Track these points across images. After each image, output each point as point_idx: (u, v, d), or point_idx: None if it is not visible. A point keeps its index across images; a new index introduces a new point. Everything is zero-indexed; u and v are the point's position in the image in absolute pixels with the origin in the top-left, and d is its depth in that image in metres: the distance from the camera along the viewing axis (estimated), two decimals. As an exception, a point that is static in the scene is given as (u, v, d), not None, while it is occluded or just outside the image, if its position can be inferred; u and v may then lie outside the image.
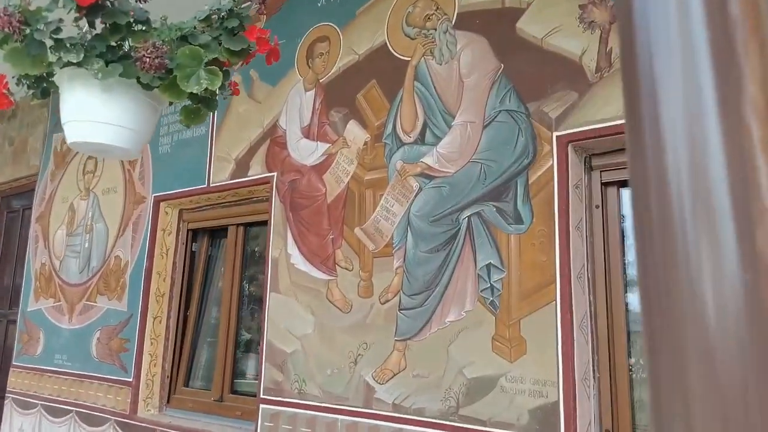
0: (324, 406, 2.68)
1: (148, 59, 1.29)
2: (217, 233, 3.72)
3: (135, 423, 3.46)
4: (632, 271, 2.27)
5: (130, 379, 3.54)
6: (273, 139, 3.16)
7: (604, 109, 2.15)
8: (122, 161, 3.87)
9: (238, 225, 3.51)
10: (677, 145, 0.45)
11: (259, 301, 3.35)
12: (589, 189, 2.29)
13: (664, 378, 0.43)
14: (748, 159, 0.41)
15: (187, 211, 3.72)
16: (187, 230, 3.76)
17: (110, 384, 3.67)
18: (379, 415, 2.50)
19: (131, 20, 1.35)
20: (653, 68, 0.47)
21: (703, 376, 0.41)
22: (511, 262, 2.27)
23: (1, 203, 5.28)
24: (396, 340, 2.51)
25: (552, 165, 2.22)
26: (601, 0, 2.21)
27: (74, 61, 1.34)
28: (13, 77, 1.43)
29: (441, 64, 2.57)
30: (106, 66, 1.35)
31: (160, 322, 3.64)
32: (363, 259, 2.69)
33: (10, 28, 1.26)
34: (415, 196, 2.55)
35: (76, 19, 1.33)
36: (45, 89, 1.48)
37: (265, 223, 3.27)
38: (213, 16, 1.38)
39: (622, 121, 2.11)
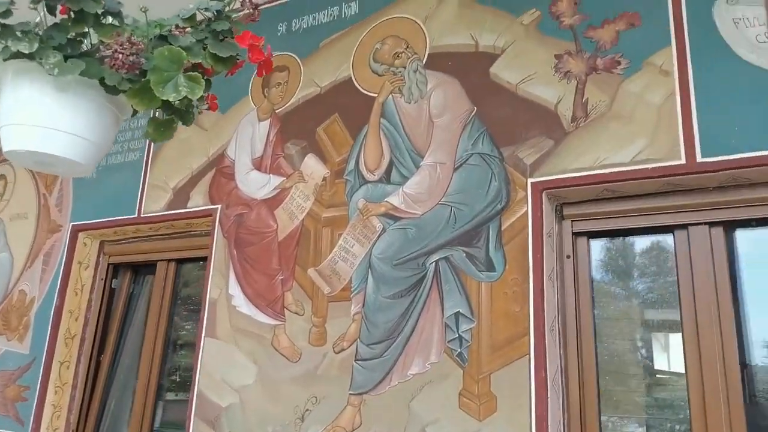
0: (264, 469, 2.39)
1: (121, 55, 1.08)
2: (142, 269, 3.37)
3: (28, 488, 2.96)
4: (602, 324, 2.21)
5: (26, 435, 3.05)
6: (219, 169, 2.92)
7: (580, 159, 2.11)
8: (37, 184, 3.46)
9: (169, 261, 3.19)
10: None
11: (189, 346, 3.02)
12: (560, 238, 2.23)
13: None
14: None
15: (109, 243, 3.34)
16: (108, 264, 3.37)
17: (0, 440, 3.15)
18: (329, 479, 2.25)
19: (101, 10, 1.14)
20: None
21: None
22: (481, 311, 2.14)
23: None
24: (351, 393, 2.30)
25: (526, 211, 2.15)
26: (577, 51, 2.21)
27: (25, 52, 1.10)
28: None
29: (410, 103, 2.47)
30: (65, 61, 1.12)
31: (68, 367, 3.19)
32: (316, 303, 2.48)
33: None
34: (378, 237, 2.39)
35: (34, 2, 1.10)
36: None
37: (201, 260, 2.99)
38: (199, 17, 1.19)
39: (599, 171, 2.10)
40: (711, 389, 1.91)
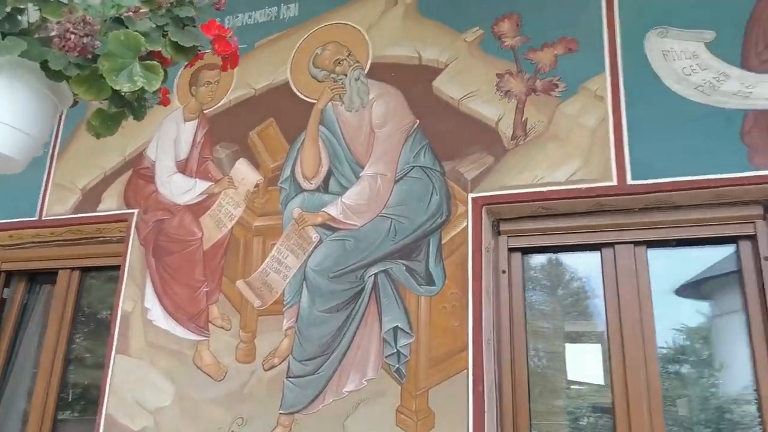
0: (182, 496, 2.21)
1: (74, 35, 0.94)
2: (40, 277, 3.03)
3: None
4: (533, 340, 2.26)
5: None
6: (137, 170, 2.70)
7: (519, 176, 2.16)
8: None
9: (72, 269, 2.89)
10: None
11: (95, 366, 2.75)
12: (496, 253, 2.27)
13: None
14: None
15: (2, 248, 2.98)
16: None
17: None
18: (256, 504, 2.11)
19: (48, -17, 0.99)
20: None
21: None
22: (420, 326, 2.12)
23: None
24: (281, 413, 2.18)
25: (467, 226, 2.16)
26: (517, 71, 2.27)
27: (-50, 25, 0.94)
28: None
29: (351, 111, 2.42)
30: (2, 38, 0.96)
31: (-56, 388, 2.80)
32: (245, 317, 2.34)
33: None
34: (315, 248, 2.30)
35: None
36: None
37: (111, 269, 2.74)
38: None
39: (537, 189, 2.16)
40: (635, 396, 2.01)
